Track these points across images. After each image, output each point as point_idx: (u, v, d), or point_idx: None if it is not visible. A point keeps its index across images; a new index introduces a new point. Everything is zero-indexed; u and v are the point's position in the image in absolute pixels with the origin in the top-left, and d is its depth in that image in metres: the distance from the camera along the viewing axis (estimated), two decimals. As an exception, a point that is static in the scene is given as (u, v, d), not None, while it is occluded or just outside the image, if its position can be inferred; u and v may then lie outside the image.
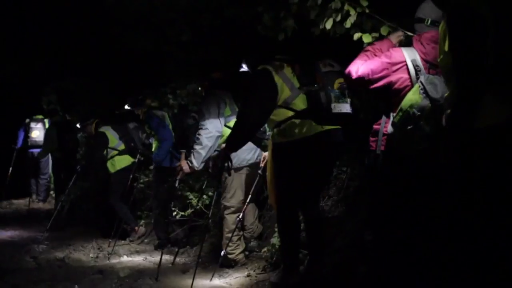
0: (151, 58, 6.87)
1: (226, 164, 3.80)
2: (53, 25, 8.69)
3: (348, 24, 3.42)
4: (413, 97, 2.57)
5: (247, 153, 4.56)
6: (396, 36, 3.23)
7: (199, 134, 4.46)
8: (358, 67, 2.96)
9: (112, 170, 6.65)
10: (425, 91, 2.53)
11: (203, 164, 4.55)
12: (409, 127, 2.52)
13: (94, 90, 9.08)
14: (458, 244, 2.30)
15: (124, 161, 6.65)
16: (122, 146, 6.70)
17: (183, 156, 5.22)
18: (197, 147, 4.46)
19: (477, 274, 2.26)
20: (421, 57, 2.86)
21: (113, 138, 6.74)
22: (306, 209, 3.67)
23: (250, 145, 4.40)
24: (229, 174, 4.03)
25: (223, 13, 4.11)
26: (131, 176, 6.54)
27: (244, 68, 3.93)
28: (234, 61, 4.10)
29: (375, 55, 3.03)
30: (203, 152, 4.45)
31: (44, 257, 5.62)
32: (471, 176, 2.23)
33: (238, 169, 4.53)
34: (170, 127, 5.96)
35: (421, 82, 2.58)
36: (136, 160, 6.52)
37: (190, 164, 4.56)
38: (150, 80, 6.95)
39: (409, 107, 2.55)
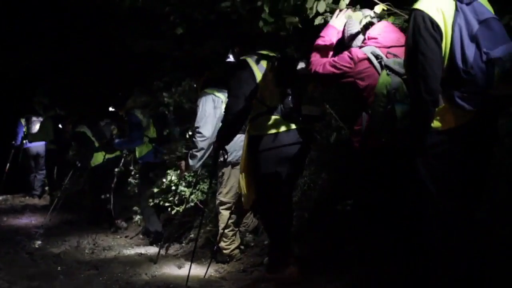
0: (145, 53, 6.86)
1: (221, 157, 4.01)
2: (47, 22, 8.65)
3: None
4: (383, 80, 2.62)
5: None
6: (341, 19, 3.12)
7: (194, 138, 4.62)
8: (324, 64, 2.99)
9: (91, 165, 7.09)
10: (392, 71, 2.59)
11: (200, 164, 4.70)
12: (389, 107, 2.54)
13: (88, 87, 9.07)
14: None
15: (97, 158, 6.97)
16: (97, 144, 6.99)
17: (185, 157, 5.25)
18: (193, 149, 4.62)
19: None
20: (378, 47, 2.89)
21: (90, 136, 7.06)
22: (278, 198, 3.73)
23: None
24: (226, 166, 4.41)
25: (217, 7, 4.10)
26: (115, 170, 6.84)
27: (230, 58, 3.96)
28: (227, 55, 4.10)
29: (326, 45, 3.09)
30: (199, 154, 4.61)
31: (40, 253, 5.61)
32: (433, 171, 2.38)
33: (235, 165, 4.53)
34: (151, 126, 5.95)
35: (385, 65, 2.64)
36: (112, 156, 6.85)
37: (189, 164, 4.70)
38: (144, 75, 6.94)
39: (384, 89, 2.59)
